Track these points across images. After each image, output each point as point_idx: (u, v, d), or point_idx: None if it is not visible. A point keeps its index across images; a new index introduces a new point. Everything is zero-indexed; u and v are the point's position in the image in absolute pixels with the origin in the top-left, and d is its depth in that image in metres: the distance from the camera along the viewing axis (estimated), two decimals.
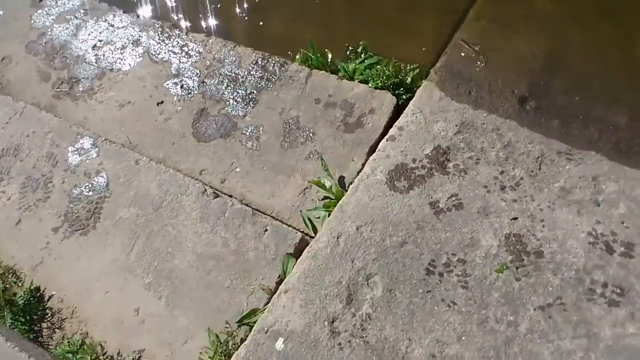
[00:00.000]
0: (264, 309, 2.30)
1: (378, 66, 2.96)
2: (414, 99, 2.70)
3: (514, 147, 2.40)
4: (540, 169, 2.32)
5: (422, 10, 3.18)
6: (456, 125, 2.53)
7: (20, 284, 2.75)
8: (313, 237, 2.43)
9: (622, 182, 2.20)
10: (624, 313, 1.91)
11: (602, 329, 1.90)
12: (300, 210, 2.63)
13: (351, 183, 2.55)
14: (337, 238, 2.33)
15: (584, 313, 1.94)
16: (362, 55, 3.05)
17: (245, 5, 3.54)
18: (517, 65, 2.65)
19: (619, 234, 2.07)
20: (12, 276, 2.78)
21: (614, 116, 2.41)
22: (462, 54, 2.76)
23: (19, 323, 2.62)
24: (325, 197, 2.61)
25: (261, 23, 3.46)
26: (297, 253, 2.43)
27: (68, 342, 2.57)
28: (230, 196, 2.76)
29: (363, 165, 2.62)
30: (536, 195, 2.24)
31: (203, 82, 3.15)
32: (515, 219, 2.19)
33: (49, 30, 3.67)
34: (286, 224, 2.58)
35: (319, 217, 2.56)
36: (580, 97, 2.50)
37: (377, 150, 2.59)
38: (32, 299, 2.69)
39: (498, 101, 2.57)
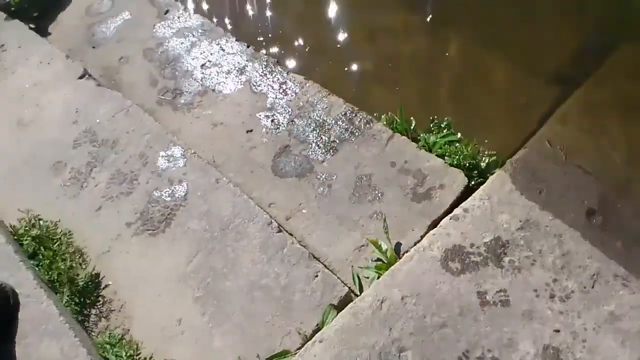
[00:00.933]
0: (296, 353, 2.42)
1: (457, 144, 3.05)
2: (485, 184, 2.78)
3: (572, 257, 2.43)
4: (593, 287, 2.33)
5: (510, 101, 3.25)
6: (520, 221, 2.58)
7: (84, 267, 2.98)
8: (357, 296, 2.53)
9: None
10: None
11: None
12: (352, 266, 2.74)
13: (406, 252, 2.64)
14: (381, 302, 2.43)
15: None
16: (445, 131, 3.15)
17: (347, 60, 3.73)
18: (593, 178, 2.67)
19: None
20: (79, 257, 3.02)
21: None
22: (541, 153, 2.81)
23: (73, 303, 2.83)
24: (379, 260, 2.71)
25: (358, 78, 3.64)
26: (340, 306, 2.53)
27: (110, 333, 2.75)
28: (291, 235, 2.91)
29: (422, 237, 2.70)
30: (584, 313, 2.26)
31: (292, 120, 3.35)
32: (558, 331, 2.21)
33: (167, 41, 4.00)
34: (336, 276, 2.69)
35: (368, 277, 2.67)
36: None
37: (438, 225, 2.67)
38: (90, 283, 2.91)
39: (566, 208, 2.61)
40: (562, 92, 3.16)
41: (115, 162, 3.36)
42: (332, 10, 4.07)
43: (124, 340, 2.70)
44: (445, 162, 2.97)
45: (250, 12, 4.25)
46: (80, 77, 3.81)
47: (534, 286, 2.37)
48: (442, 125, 3.19)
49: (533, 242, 2.51)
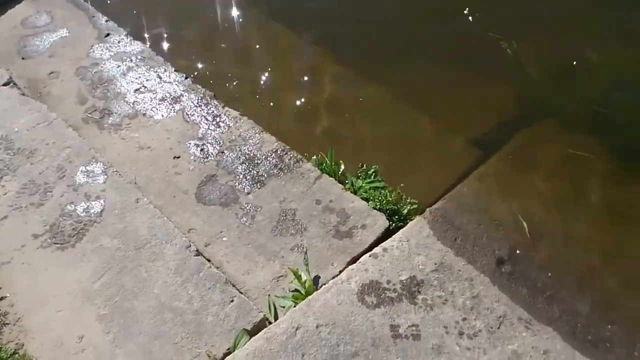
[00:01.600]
0: None
1: (382, 190, 3.19)
2: (405, 228, 2.91)
3: (481, 300, 2.56)
4: (499, 327, 2.46)
5: (435, 156, 3.48)
6: (435, 264, 2.71)
7: None
8: (272, 324, 2.51)
9: None
10: None
11: None
12: (269, 295, 2.73)
13: (324, 284, 2.67)
14: (296, 329, 2.42)
15: None
16: (372, 177, 3.30)
17: (285, 101, 3.87)
18: (504, 229, 2.88)
19: None
20: None
21: (577, 303, 2.59)
22: (459, 205, 3.00)
23: None
24: (296, 290, 2.72)
25: (294, 119, 3.77)
26: (253, 332, 2.50)
27: (1, 347, 2.55)
28: (209, 260, 2.87)
29: (340, 272, 2.76)
30: (489, 351, 2.36)
31: (222, 152, 3.38)
32: None
33: (103, 63, 3.99)
34: (252, 302, 2.67)
35: (284, 307, 2.66)
36: (553, 275, 2.70)
37: (358, 261, 2.74)
38: None
39: (478, 255, 2.77)
40: (482, 155, 3.42)
41: (30, 172, 3.22)
42: (273, 52, 4.24)
43: (17, 355, 2.49)
44: (369, 205, 3.08)
45: (193, 46, 4.34)
46: (4, 85, 3.69)
47: (444, 323, 2.46)
48: (370, 172, 3.33)
49: (446, 283, 2.63)
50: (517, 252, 2.81)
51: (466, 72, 3.90)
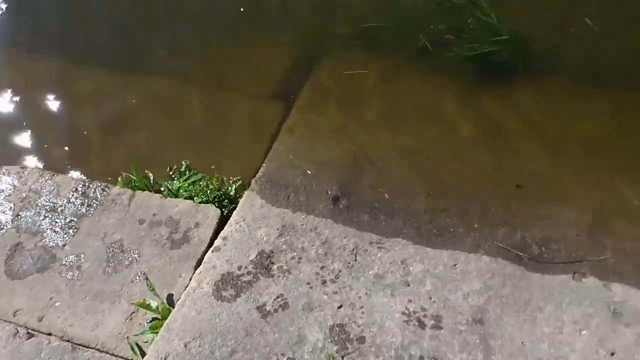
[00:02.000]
0: None
1: (202, 182, 3.06)
2: (237, 209, 2.82)
3: (331, 243, 2.57)
4: (356, 259, 2.49)
5: (240, 127, 3.41)
6: (277, 229, 2.66)
7: None
8: None
9: (426, 262, 2.44)
10: None
11: None
12: (128, 337, 2.51)
13: (179, 299, 2.51)
14: (165, 359, 2.25)
15: None
16: (187, 173, 3.14)
17: (63, 134, 3.54)
18: (329, 169, 2.91)
19: (428, 309, 2.26)
20: None
21: (413, 205, 2.71)
22: (279, 163, 2.97)
23: None
24: (155, 319, 2.54)
25: (80, 150, 3.46)
26: None
27: None
28: (49, 334, 2.56)
29: (191, 279, 2.61)
30: (354, 285, 2.39)
31: (18, 215, 3.01)
32: (341, 307, 2.30)
33: None
34: (113, 355, 2.44)
35: (147, 342, 2.46)
36: (385, 191, 2.79)
37: (202, 262, 2.61)
38: None
39: (314, 203, 2.78)
40: (284, 107, 3.41)
41: None
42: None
43: None
44: (195, 202, 2.94)
45: None
46: None
47: (306, 280, 2.44)
48: (183, 170, 3.17)
49: (294, 243, 2.60)
50: (347, 185, 2.86)
51: (235, 34, 3.85)
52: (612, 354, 2.09)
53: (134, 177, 3.10)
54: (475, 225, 2.59)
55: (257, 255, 2.57)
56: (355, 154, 2.97)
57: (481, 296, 2.29)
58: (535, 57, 3.39)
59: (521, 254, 2.44)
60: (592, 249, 2.43)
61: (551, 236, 2.51)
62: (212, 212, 2.87)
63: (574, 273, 2.33)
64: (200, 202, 2.94)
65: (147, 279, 2.64)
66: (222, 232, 2.73)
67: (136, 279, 2.70)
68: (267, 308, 2.36)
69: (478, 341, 2.17)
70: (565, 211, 2.63)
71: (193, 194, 3.00)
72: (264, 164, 3.03)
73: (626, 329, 2.14)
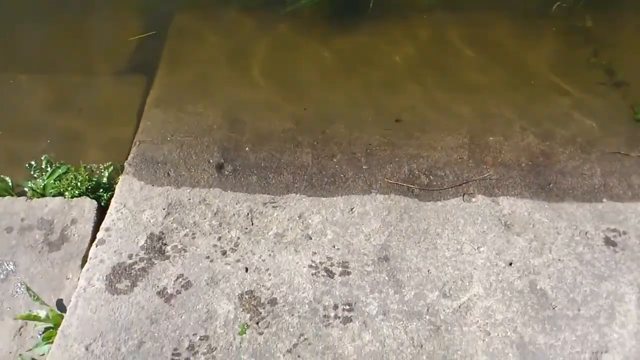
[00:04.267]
0: None
1: (69, 175, 2.86)
2: (114, 196, 2.68)
3: (224, 211, 2.54)
4: (252, 223, 2.48)
5: (96, 106, 3.20)
6: (164, 209, 2.57)
7: None
8: None
9: (324, 212, 2.49)
10: (358, 325, 2.13)
11: (345, 348, 2.08)
12: (20, 355, 2.34)
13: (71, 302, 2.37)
14: None
15: (325, 340, 2.10)
16: (49, 169, 2.92)
17: None
18: (205, 136, 2.84)
19: (334, 257, 2.33)
20: None
21: (299, 157, 2.73)
22: (151, 141, 2.85)
23: None
24: (47, 328, 2.37)
25: None
26: None
27: None
28: None
29: (79, 279, 2.46)
30: (255, 249, 2.39)
31: None
32: (246, 272, 2.29)
33: None
34: None
35: (43, 354, 2.31)
36: (268, 150, 2.78)
37: (89, 258, 2.47)
38: None
39: (197, 174, 2.71)
40: (145, 80, 3.25)
41: None
42: None
43: None
44: (67, 197, 2.75)
45: None
46: None
47: (204, 255, 2.40)
48: (44, 166, 2.94)
49: (184, 219, 2.53)
50: (228, 148, 2.82)
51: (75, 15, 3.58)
52: (510, 264, 2.29)
53: None
54: (363, 167, 2.67)
55: (147, 240, 2.48)
56: (229, 114, 2.92)
57: (382, 234, 2.39)
58: None
59: (412, 186, 2.56)
60: (475, 168, 2.61)
61: (436, 164, 2.65)
62: (88, 205, 2.71)
63: (464, 195, 2.49)
64: (72, 197, 2.76)
65: (28, 289, 2.45)
66: (103, 224, 2.59)
67: (17, 292, 2.51)
68: (169, 291, 2.29)
69: (387, 278, 2.27)
70: (444, 137, 2.78)
71: (62, 190, 2.81)
72: (134, 144, 2.90)
73: (518, 237, 2.35)
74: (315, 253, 2.35)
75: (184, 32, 3.41)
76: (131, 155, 2.83)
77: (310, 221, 2.47)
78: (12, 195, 2.83)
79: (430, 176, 2.62)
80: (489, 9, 3.43)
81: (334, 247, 2.37)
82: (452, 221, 2.43)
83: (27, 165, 2.97)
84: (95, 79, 3.31)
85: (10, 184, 2.89)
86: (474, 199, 2.49)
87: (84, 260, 2.54)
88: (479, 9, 3.42)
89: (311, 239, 2.41)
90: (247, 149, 2.80)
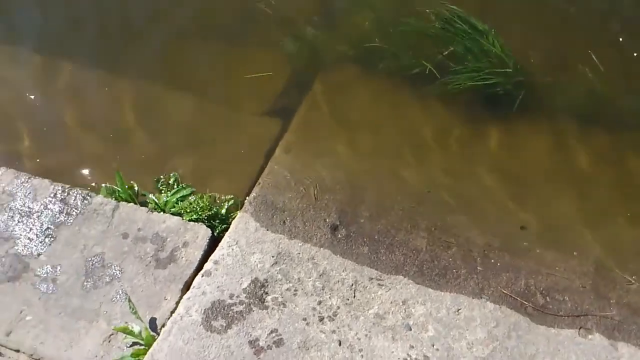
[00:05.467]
0: None
1: (192, 198, 2.98)
2: (229, 230, 2.75)
3: (330, 275, 2.53)
4: (355, 296, 2.46)
5: (234, 143, 3.32)
6: (273, 257, 2.61)
7: None
8: None
9: (429, 304, 2.43)
10: None
11: None
12: None
13: (164, 325, 2.43)
14: None
15: None
16: (175, 187, 3.06)
17: (41, 134, 3.39)
18: (327, 195, 2.87)
19: (431, 357, 2.24)
20: None
21: (414, 240, 2.69)
22: (275, 184, 2.92)
23: None
24: (135, 343, 2.45)
25: (61, 153, 3.32)
26: None
27: None
28: (17, 351, 2.45)
29: (177, 304, 2.53)
30: (353, 324, 2.35)
31: None
32: (339, 344, 2.26)
33: None
34: None
35: None
36: (384, 224, 2.76)
37: (192, 286, 2.53)
38: None
39: (311, 230, 2.73)
40: (281, 124, 3.35)
41: None
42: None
43: None
44: (184, 219, 2.86)
45: None
46: None
47: (302, 315, 2.39)
48: (171, 182, 3.08)
49: (290, 272, 2.55)
50: (346, 212, 2.82)
51: (230, 47, 3.76)
52: None
53: (118, 188, 2.99)
54: (478, 268, 2.58)
55: (250, 284, 2.51)
56: (354, 180, 2.94)
57: (486, 347, 2.29)
58: (537, 92, 3.41)
59: (526, 303, 2.44)
60: (596, 302, 2.45)
61: (556, 285, 2.52)
62: (203, 232, 2.80)
63: (580, 328, 2.34)
64: (189, 220, 2.86)
65: (129, 300, 2.55)
66: (212, 255, 2.66)
67: (117, 298, 2.61)
68: (260, 343, 2.30)
69: None
70: (568, 259, 2.65)
71: (182, 210, 2.92)
72: (258, 184, 2.97)
73: None
74: (413, 347, 2.28)
75: (330, 88, 3.47)
76: (253, 194, 2.91)
77: (413, 310, 2.41)
78: (135, 203, 2.98)
79: (548, 297, 2.49)
80: None
81: (433, 346, 2.29)
82: (563, 354, 2.28)
83: (156, 178, 3.10)
84: (236, 114, 3.44)
85: (136, 191, 3.04)
86: (590, 336, 2.33)
87: (186, 286, 2.61)
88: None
89: (411, 329, 2.34)
90: (364, 217, 2.79)
